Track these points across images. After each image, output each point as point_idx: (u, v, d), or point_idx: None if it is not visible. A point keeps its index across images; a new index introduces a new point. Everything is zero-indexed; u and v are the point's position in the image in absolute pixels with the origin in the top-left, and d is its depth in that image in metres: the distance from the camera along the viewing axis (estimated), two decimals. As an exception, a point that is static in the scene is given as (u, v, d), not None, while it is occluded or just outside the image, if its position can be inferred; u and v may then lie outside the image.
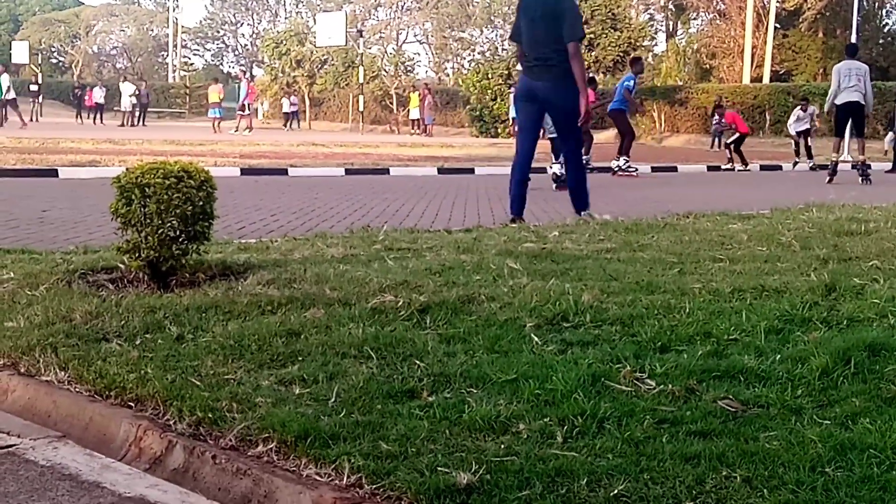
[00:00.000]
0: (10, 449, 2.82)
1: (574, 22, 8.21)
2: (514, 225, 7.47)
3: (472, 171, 17.70)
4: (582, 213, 8.18)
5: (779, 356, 3.33)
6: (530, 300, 4.09)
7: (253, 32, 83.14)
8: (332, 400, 2.91)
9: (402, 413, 2.82)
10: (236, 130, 37.03)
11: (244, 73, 43.39)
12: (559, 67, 8.09)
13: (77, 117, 44.75)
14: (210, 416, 2.81)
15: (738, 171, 20.43)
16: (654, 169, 19.61)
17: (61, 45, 78.86)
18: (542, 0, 8.21)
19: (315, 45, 49.97)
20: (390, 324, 3.79)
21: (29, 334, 3.60)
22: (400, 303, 4.04)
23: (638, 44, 44.88)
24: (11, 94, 34.09)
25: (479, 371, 3.18)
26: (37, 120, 42.80)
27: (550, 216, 8.98)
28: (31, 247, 5.79)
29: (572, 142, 8.54)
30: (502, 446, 2.58)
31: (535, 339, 3.57)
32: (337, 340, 3.53)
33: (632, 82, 17.05)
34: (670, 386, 3.03)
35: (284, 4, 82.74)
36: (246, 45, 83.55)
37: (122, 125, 42.27)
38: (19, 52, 55.23)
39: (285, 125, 47.91)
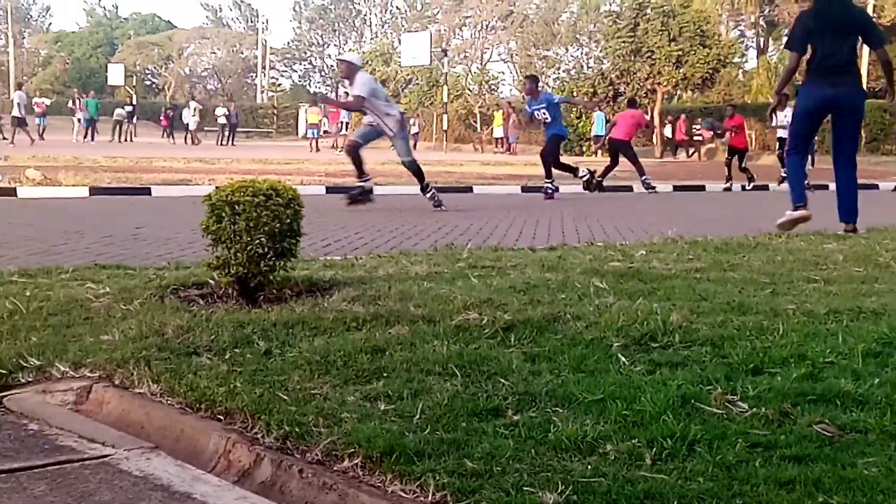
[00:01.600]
0: (104, 459, 2.87)
1: (877, 28, 9.03)
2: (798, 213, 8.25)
3: (556, 189, 17.59)
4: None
5: (877, 380, 3.23)
6: (617, 319, 4.04)
7: (339, 53, 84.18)
8: (417, 417, 2.91)
9: (486, 431, 2.80)
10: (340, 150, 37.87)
11: (346, 94, 44.12)
12: (856, 75, 8.68)
13: (168, 137, 45.77)
14: (297, 430, 2.83)
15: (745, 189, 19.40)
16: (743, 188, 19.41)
17: (155, 68, 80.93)
18: (840, 9, 8.54)
19: (400, 65, 50.41)
20: (475, 341, 3.78)
21: (123, 347, 3.67)
22: (484, 320, 4.02)
23: (727, 60, 44.30)
24: (21, 112, 35.11)
25: (565, 390, 3.14)
26: (130, 140, 43.97)
27: (637, 235, 8.88)
28: (126, 262, 5.93)
29: (854, 147, 8.95)
30: (589, 467, 2.54)
31: (623, 359, 3.52)
32: (421, 357, 3.53)
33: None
34: (763, 409, 2.95)
35: (370, 25, 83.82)
36: (332, 65, 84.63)
37: (187, 143, 43.28)
38: (115, 75, 56.88)
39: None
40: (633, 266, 5.68)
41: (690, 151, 42.27)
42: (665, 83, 42.68)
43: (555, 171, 15.87)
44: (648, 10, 42.50)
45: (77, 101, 42.85)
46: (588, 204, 14.11)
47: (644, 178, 17.88)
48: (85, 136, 42.43)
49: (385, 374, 3.35)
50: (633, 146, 18.55)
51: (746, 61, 58.80)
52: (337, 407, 3.00)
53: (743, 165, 19.75)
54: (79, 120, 42.33)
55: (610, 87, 43.41)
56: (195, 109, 46.02)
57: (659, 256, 6.19)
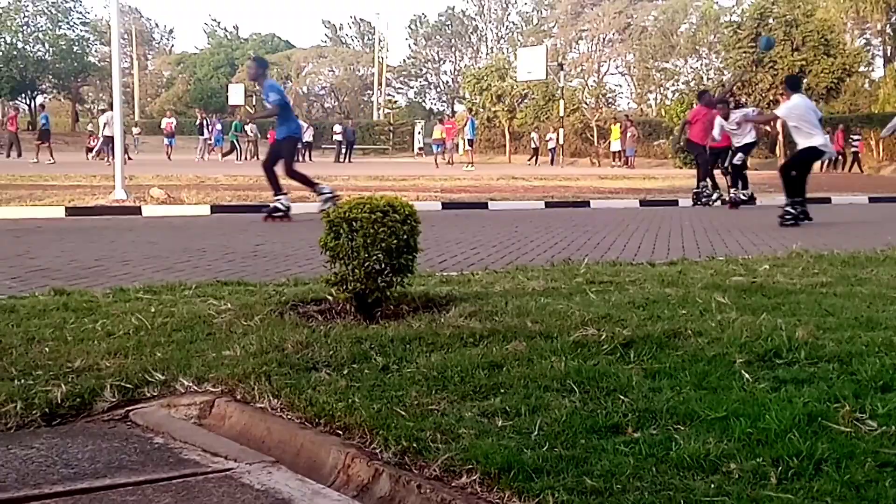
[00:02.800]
0: (227, 473, 2.92)
1: None
2: None
3: (675, 202, 17.35)
4: None
5: None
6: (740, 335, 3.94)
7: (455, 69, 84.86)
8: (535, 433, 2.88)
9: (606, 448, 2.76)
10: (470, 164, 38.29)
11: (470, 110, 44.59)
12: None
13: (232, 156, 46.61)
14: (415, 445, 2.83)
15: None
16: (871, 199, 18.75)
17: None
18: None
19: (515, 80, 50.47)
20: (593, 357, 3.74)
21: (244, 363, 3.74)
22: (603, 336, 3.98)
23: (853, 70, 42.94)
24: (110, 132, 36.28)
25: (687, 407, 3.07)
26: (257, 158, 45.09)
27: (760, 248, 8.66)
28: (246, 279, 6.05)
29: None
30: (712, 486, 2.47)
31: (746, 375, 3.43)
32: (539, 373, 3.50)
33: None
34: (893, 427, 2.83)
35: (486, 41, 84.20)
36: (448, 81, 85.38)
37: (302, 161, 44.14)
38: (235, 95, 58.35)
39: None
40: (756, 281, 5.54)
41: (845, 163, 40.48)
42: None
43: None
44: (770, 20, 41.56)
45: (206, 122, 44.15)
46: (709, 217, 13.83)
47: (702, 185, 16.73)
48: (227, 154, 43.83)
49: (502, 390, 3.33)
50: (706, 151, 16.66)
51: (873, 70, 57.02)
52: (454, 423, 2.99)
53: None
54: (206, 140, 43.59)
55: (731, 99, 42.48)
56: (308, 128, 47.01)
57: (783, 271, 6.02)
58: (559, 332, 4.10)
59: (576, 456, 2.70)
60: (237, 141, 44.61)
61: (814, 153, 12.53)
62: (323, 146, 52.67)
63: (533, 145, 50.35)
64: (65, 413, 3.43)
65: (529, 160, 48.74)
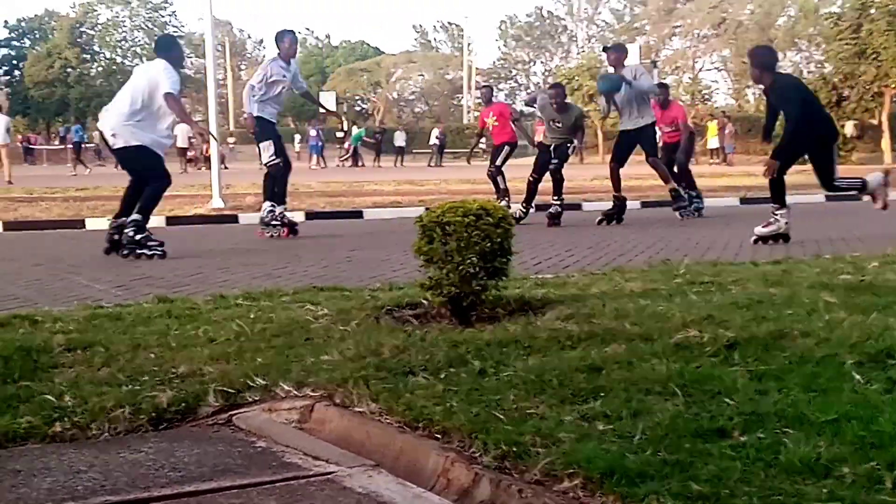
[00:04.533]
0: (329, 476, 2.94)
1: None
2: None
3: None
4: None
5: None
6: (850, 336, 3.82)
7: (545, 70, 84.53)
8: (638, 437, 2.83)
9: (712, 453, 2.69)
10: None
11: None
12: None
13: (375, 160, 46.95)
14: (514, 449, 2.81)
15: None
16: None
17: (364, 93, 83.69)
18: None
19: (608, 80, 50.01)
20: (696, 360, 3.66)
21: (342, 367, 3.76)
22: (705, 338, 3.90)
23: None
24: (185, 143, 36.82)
25: (795, 410, 2.98)
26: (361, 164, 45.58)
27: (868, 246, 8.40)
28: (342, 284, 6.10)
29: None
30: (824, 490, 2.40)
31: (857, 377, 3.32)
32: (640, 376, 3.45)
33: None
34: None
35: (576, 40, 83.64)
36: (538, 82, 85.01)
37: (396, 165, 44.42)
38: (327, 102, 58.99)
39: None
40: (865, 279, 5.38)
41: None
42: (893, 85, 40.34)
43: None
44: (872, 10, 40.36)
45: (317, 131, 44.76)
46: (812, 215, 13.49)
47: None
48: (354, 163, 44.51)
49: (602, 394, 3.28)
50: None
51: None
52: (554, 427, 2.96)
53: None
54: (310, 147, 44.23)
55: (833, 92, 41.47)
56: (438, 133, 47.60)
57: (894, 268, 5.82)
58: (660, 335, 4.02)
59: (680, 460, 2.64)
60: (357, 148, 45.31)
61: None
62: (414, 151, 52.93)
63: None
64: (171, 417, 3.50)
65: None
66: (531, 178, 13.32)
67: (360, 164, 45.04)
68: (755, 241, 9.33)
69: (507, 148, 13.77)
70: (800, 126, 9.03)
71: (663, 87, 14.62)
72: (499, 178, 13.72)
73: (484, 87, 15.26)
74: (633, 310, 4.58)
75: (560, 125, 12.85)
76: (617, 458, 2.64)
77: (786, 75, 10.31)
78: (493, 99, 15.59)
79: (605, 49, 14.20)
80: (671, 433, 2.85)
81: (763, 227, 9.44)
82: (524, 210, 13.15)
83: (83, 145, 39.10)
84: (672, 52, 68.21)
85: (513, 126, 13.80)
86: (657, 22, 69.18)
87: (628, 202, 13.34)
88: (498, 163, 13.69)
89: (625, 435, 2.86)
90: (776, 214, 9.41)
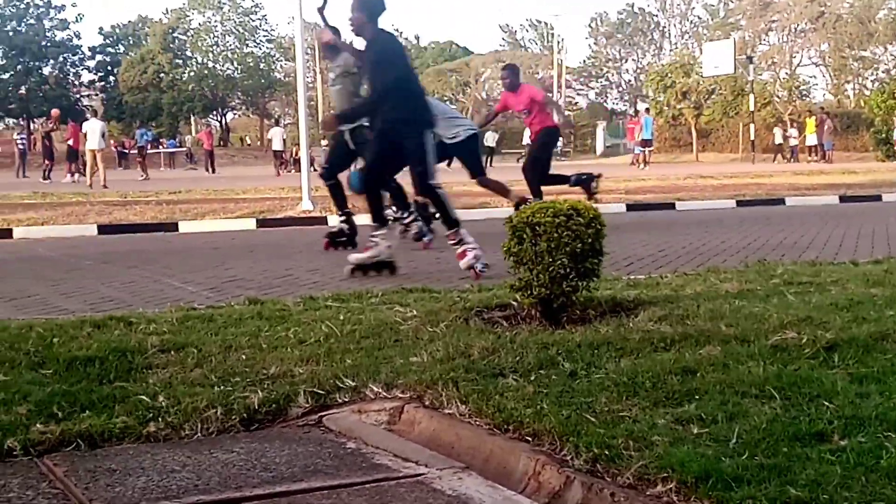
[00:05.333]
0: (418, 478, 2.94)
1: None
2: None
3: (878, 198, 16.46)
4: None
5: None
6: (956, 337, 3.67)
7: (637, 67, 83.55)
8: (733, 441, 2.77)
9: (810, 457, 2.62)
10: (645, 165, 37.74)
11: (647, 110, 43.97)
12: None
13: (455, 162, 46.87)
14: (606, 453, 2.76)
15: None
16: None
17: (453, 94, 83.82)
18: None
19: (701, 76, 49.24)
20: (793, 362, 3.57)
21: (432, 369, 3.76)
22: (804, 340, 3.80)
23: None
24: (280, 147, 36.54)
25: (899, 414, 2.88)
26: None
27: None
28: (430, 286, 6.10)
29: None
30: (929, 498, 2.30)
31: (965, 380, 3.18)
32: (735, 379, 3.37)
33: None
34: None
35: (669, 37, 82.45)
36: (630, 80, 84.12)
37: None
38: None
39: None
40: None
41: None
42: None
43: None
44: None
45: None
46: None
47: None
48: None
49: (697, 396, 3.22)
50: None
51: None
52: (647, 430, 2.90)
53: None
54: None
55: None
56: (495, 134, 47.43)
57: None
58: (756, 336, 3.94)
59: (778, 464, 2.57)
60: None
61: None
62: (503, 151, 52.87)
63: (776, 141, 47.49)
64: (261, 418, 3.53)
65: (775, 158, 45.72)
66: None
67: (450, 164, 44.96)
68: (352, 272, 7.43)
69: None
70: (387, 101, 7.23)
71: (510, 68, 12.60)
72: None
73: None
74: (729, 311, 4.49)
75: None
76: (712, 462, 2.59)
77: (389, 34, 7.69)
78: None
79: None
80: (768, 437, 2.78)
81: (364, 251, 7.60)
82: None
83: (147, 149, 39.75)
84: (768, 48, 66.77)
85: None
86: (752, 16, 67.79)
87: (721, 202, 13.05)
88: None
89: (720, 438, 2.80)
90: (375, 237, 7.56)
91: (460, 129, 10.57)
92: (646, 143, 39.51)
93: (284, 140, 38.70)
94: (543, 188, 12.15)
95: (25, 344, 4.32)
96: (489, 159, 46.94)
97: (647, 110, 44.55)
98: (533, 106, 11.84)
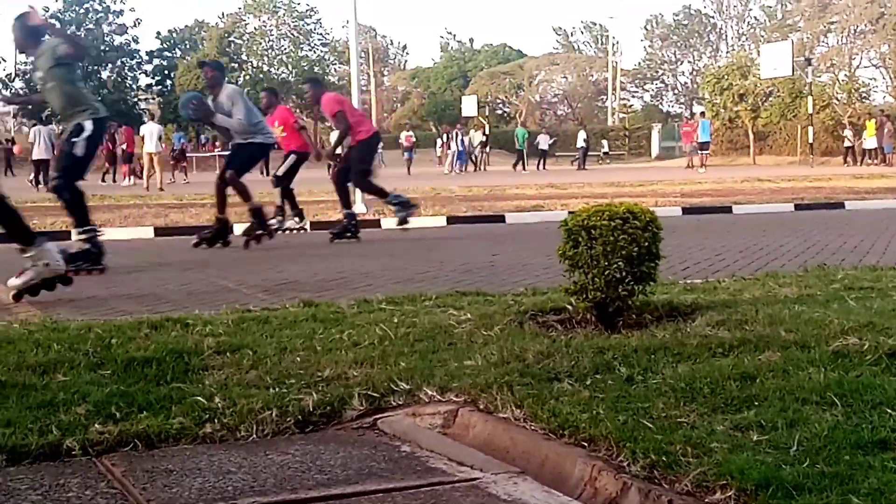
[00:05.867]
0: (473, 482, 2.92)
1: None
2: None
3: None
4: None
5: None
6: None
7: (693, 69, 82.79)
8: (794, 448, 2.72)
9: (873, 465, 2.57)
10: (702, 167, 37.40)
11: (703, 113, 43.58)
12: None
13: (519, 165, 46.69)
14: (664, 459, 2.73)
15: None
16: None
17: (506, 97, 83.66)
18: None
19: (759, 78, 48.63)
20: (855, 369, 3.50)
21: (486, 372, 3.74)
22: (865, 346, 3.73)
23: None
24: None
25: (965, 423, 2.81)
26: (484, 169, 45.62)
27: None
28: (484, 289, 6.08)
29: None
30: None
31: None
32: (795, 385, 3.32)
33: None
34: None
35: (726, 39, 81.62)
36: (685, 82, 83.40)
37: (539, 169, 44.02)
38: (468, 106, 59.12)
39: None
40: None
41: None
42: None
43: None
44: None
45: (455, 135, 44.86)
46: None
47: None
48: (523, 166, 44.41)
49: (756, 403, 3.18)
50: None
51: None
52: (705, 436, 2.87)
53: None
54: (453, 153, 44.25)
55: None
56: (585, 137, 47.39)
57: None
58: (816, 342, 3.87)
59: (839, 473, 2.52)
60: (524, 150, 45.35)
61: None
62: (556, 154, 52.64)
63: (846, 144, 46.13)
64: (316, 420, 3.54)
65: (846, 161, 44.69)
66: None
67: (524, 167, 44.77)
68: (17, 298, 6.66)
69: (293, 157, 12.28)
70: None
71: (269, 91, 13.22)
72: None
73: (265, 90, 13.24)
74: (788, 316, 4.43)
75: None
76: (772, 470, 2.55)
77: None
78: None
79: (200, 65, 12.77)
80: (829, 444, 2.74)
81: (17, 276, 6.71)
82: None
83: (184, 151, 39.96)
84: (827, 49, 65.74)
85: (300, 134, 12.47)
86: (811, 18, 66.80)
87: (778, 205, 12.88)
88: (280, 172, 12.22)
89: (780, 446, 2.76)
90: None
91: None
92: (703, 146, 39.13)
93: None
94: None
95: (84, 345, 4.38)
96: (541, 161, 46.74)
97: (703, 113, 44.08)
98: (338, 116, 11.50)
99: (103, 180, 31.82)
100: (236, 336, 4.59)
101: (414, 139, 45.76)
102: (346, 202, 11.67)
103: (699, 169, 36.97)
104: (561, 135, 57.50)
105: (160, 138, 26.47)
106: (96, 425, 3.31)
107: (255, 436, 3.38)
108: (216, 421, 3.41)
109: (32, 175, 27.61)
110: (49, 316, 5.53)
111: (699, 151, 39.04)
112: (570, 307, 4.78)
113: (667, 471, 2.69)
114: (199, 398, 3.59)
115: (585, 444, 3.00)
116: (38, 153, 26.78)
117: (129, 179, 30.72)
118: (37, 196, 20.06)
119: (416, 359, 4.08)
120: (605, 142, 53.02)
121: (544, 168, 45.99)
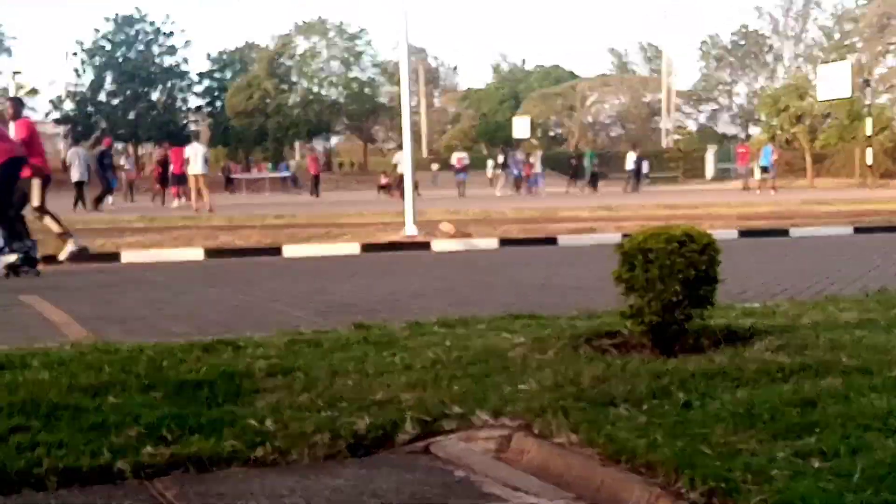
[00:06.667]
0: (528, 509, 2.88)
1: None
2: None
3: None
4: None
5: None
6: None
7: (749, 91, 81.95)
8: (857, 476, 2.66)
9: (940, 495, 2.48)
10: (758, 190, 37.04)
11: (772, 138, 43.23)
12: None
13: (571, 185, 46.42)
14: (723, 486, 2.67)
15: None
16: None
17: (558, 118, 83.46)
18: None
19: (816, 99, 48.08)
20: (920, 395, 3.40)
21: (540, 397, 3.69)
22: (930, 372, 3.62)
23: None
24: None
25: None
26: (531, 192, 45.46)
27: None
28: (537, 312, 6.03)
29: None
30: None
31: None
32: (857, 411, 3.25)
33: None
34: None
35: (783, 60, 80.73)
36: (741, 104, 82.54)
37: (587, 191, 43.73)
38: (520, 128, 58.91)
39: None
40: None
41: None
42: None
43: None
44: None
45: (509, 157, 44.73)
46: None
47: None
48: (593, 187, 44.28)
49: (817, 429, 3.10)
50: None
51: None
52: (766, 463, 2.80)
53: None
54: (508, 175, 44.05)
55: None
56: (635, 158, 47.00)
57: None
58: (879, 368, 3.79)
59: (904, 502, 2.45)
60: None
61: None
62: (610, 176, 52.32)
63: None
64: (368, 444, 3.50)
65: None
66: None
67: (596, 186, 44.54)
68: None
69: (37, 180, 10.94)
70: None
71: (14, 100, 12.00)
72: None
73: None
74: (849, 341, 4.35)
75: None
76: (834, 498, 2.50)
77: None
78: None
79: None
80: (893, 472, 2.67)
81: None
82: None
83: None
84: (886, 71, 64.78)
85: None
86: (869, 39, 65.93)
87: (837, 228, 12.67)
88: (36, 203, 10.93)
89: (842, 473, 2.70)
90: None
91: None
92: (763, 170, 38.86)
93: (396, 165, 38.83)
94: None
95: (136, 367, 4.40)
96: (593, 179, 46.38)
97: (773, 138, 43.66)
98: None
99: (153, 201, 32.18)
100: (288, 358, 4.59)
101: (467, 161, 45.55)
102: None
103: (762, 191, 36.62)
104: (612, 156, 57.08)
105: (206, 160, 26.43)
106: (148, 447, 3.31)
107: (306, 459, 3.36)
108: (268, 444, 3.39)
109: (74, 198, 27.59)
110: (101, 338, 5.58)
111: (762, 175, 38.71)
112: (625, 331, 4.72)
113: (726, 498, 2.64)
114: (250, 421, 3.57)
115: (643, 471, 2.95)
116: (76, 175, 27.04)
117: (180, 200, 30.82)
118: (90, 218, 20.37)
119: (469, 382, 4.04)
120: (645, 163, 52.42)
121: (595, 189, 45.62)
